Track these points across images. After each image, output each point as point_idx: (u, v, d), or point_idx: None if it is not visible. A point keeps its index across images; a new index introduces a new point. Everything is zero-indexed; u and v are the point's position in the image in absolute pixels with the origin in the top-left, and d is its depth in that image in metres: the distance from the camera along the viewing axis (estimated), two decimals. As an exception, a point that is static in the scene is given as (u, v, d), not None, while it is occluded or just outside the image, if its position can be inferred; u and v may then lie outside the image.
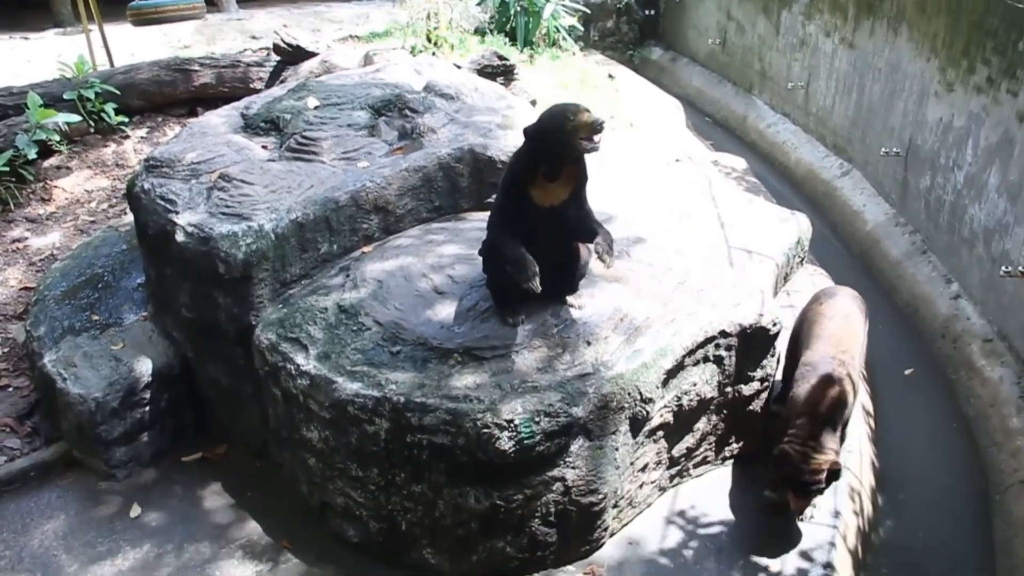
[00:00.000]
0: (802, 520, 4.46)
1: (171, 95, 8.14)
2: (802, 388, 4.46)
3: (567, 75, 10.18)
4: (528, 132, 3.98)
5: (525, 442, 3.81)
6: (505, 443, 3.80)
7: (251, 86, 8.23)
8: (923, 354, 6.61)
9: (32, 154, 6.86)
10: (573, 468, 3.99)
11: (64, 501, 4.76)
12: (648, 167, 6.72)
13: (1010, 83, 5.94)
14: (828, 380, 4.40)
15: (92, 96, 7.47)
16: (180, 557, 4.39)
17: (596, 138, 3.81)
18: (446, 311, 4.29)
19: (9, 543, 4.47)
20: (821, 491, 4.30)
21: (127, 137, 7.65)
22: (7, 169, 6.78)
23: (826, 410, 4.34)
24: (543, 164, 3.96)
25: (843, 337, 4.65)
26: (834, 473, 4.22)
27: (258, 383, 4.61)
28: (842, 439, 4.55)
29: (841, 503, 4.60)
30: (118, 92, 7.69)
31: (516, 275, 3.93)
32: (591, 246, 4.08)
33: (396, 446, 3.94)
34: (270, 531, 4.54)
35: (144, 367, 4.92)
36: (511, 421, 3.79)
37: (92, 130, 7.56)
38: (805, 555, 4.29)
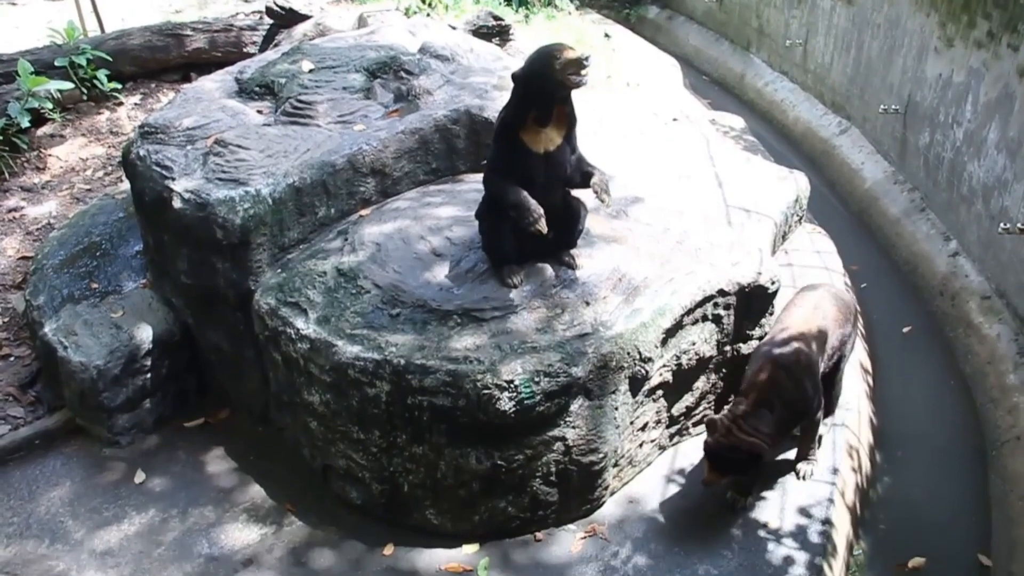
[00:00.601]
0: (801, 477, 4.53)
1: (164, 61, 8.07)
2: (749, 368, 4.38)
3: (563, 35, 10.09)
4: (516, 76, 4.00)
5: (525, 402, 3.83)
6: (505, 403, 3.82)
7: (244, 50, 8.16)
8: (921, 312, 6.63)
9: (25, 122, 6.81)
10: (573, 428, 4.02)
11: (69, 468, 4.79)
12: (645, 127, 6.68)
13: (1011, 37, 5.89)
14: (772, 363, 4.23)
15: (84, 63, 7.40)
16: (185, 521, 4.44)
17: (583, 72, 3.84)
18: (445, 273, 4.30)
19: (16, 510, 4.52)
20: (739, 471, 4.24)
21: (120, 104, 7.60)
22: (0, 138, 6.73)
23: (762, 392, 4.18)
24: (533, 108, 3.98)
25: (804, 328, 4.41)
26: (754, 458, 4.14)
27: (258, 348, 4.62)
28: (808, 429, 4.47)
29: (839, 460, 4.64)
30: (110, 58, 7.62)
31: (520, 219, 3.94)
32: (591, 204, 4.08)
33: (397, 408, 3.96)
34: (273, 494, 4.58)
35: (144, 334, 4.93)
36: (511, 382, 3.81)
37: (85, 97, 7.51)
38: (804, 511, 4.34)
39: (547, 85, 3.89)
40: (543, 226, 3.89)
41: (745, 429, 4.12)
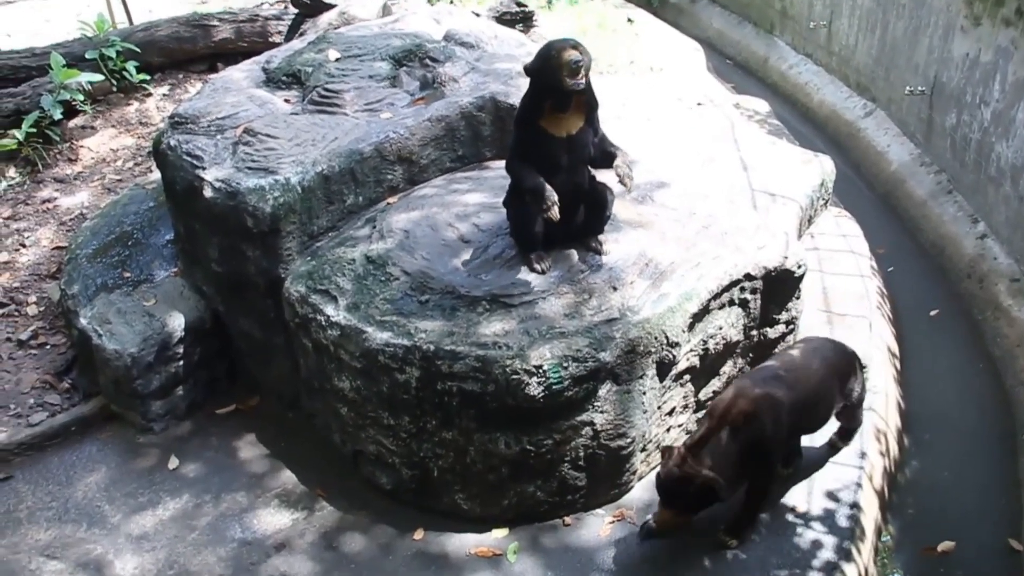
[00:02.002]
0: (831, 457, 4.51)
1: (191, 51, 8.13)
2: (720, 395, 4.15)
3: (586, 20, 10.07)
4: (527, 69, 4.05)
5: (554, 387, 3.87)
6: (534, 388, 3.85)
7: (270, 40, 8.20)
8: (949, 295, 6.59)
9: (58, 115, 6.90)
10: (601, 412, 4.05)
11: (104, 454, 4.88)
12: (670, 111, 6.68)
13: (1039, 16, 5.83)
14: (739, 395, 3.95)
15: (113, 54, 7.48)
16: (218, 507, 4.51)
17: (579, 77, 3.84)
18: (473, 259, 4.33)
19: (55, 495, 4.61)
20: (690, 508, 3.93)
21: (149, 95, 7.68)
22: (34, 130, 6.84)
23: (722, 421, 3.90)
24: (548, 99, 4.01)
25: (793, 370, 4.12)
26: (708, 492, 3.83)
27: (289, 335, 4.68)
28: (750, 494, 4.07)
29: (867, 444, 4.64)
30: (138, 50, 7.70)
31: (535, 204, 3.99)
32: (620, 187, 4.10)
33: (427, 393, 4.01)
34: (304, 480, 4.65)
35: (176, 322, 5.01)
36: (540, 367, 3.84)
37: (115, 89, 7.59)
38: (832, 495, 4.34)
39: (551, 82, 3.92)
40: (555, 213, 3.93)
41: (703, 462, 3.83)
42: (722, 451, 3.85)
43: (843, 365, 4.37)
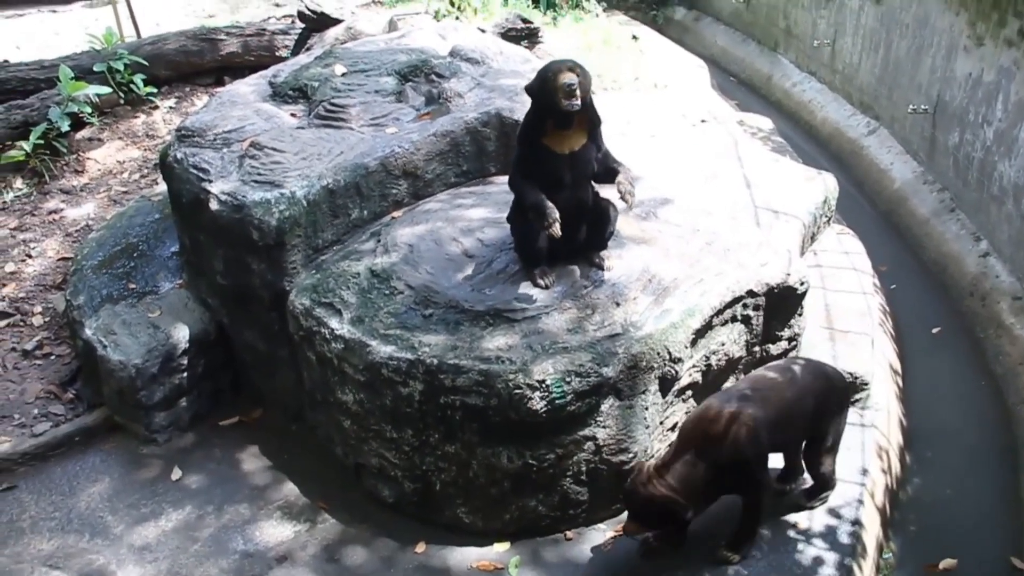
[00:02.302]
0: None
1: (198, 64, 8.19)
2: (688, 416, 4.12)
3: (591, 36, 10.12)
4: (528, 89, 4.09)
5: (556, 402, 3.88)
6: (537, 403, 3.87)
7: (277, 54, 8.27)
8: (951, 312, 6.61)
9: (65, 126, 6.95)
10: (604, 427, 4.06)
11: (108, 464, 4.90)
12: (674, 128, 6.71)
13: (1041, 37, 5.87)
14: (703, 416, 3.92)
15: (121, 67, 7.54)
16: (220, 518, 4.52)
17: (572, 99, 3.87)
18: (477, 274, 4.35)
19: (58, 504, 4.62)
20: (655, 526, 4.00)
21: (156, 108, 7.73)
22: (42, 142, 6.89)
23: (689, 442, 3.88)
24: (549, 117, 4.04)
25: (768, 392, 4.02)
26: (670, 514, 3.85)
27: (293, 347, 4.70)
28: (747, 509, 4.05)
29: (869, 461, 4.64)
30: (146, 63, 7.76)
31: (536, 221, 4.02)
32: (621, 204, 4.12)
33: (430, 407, 4.02)
34: (307, 492, 4.65)
35: (181, 334, 5.03)
36: (543, 381, 3.86)
37: (122, 101, 7.65)
38: (833, 512, 4.34)
39: (548, 103, 3.96)
40: (556, 230, 3.94)
41: (666, 481, 3.84)
42: (687, 472, 3.83)
43: (820, 388, 4.16)
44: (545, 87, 3.93)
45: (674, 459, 3.87)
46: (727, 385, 4.64)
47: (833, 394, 4.22)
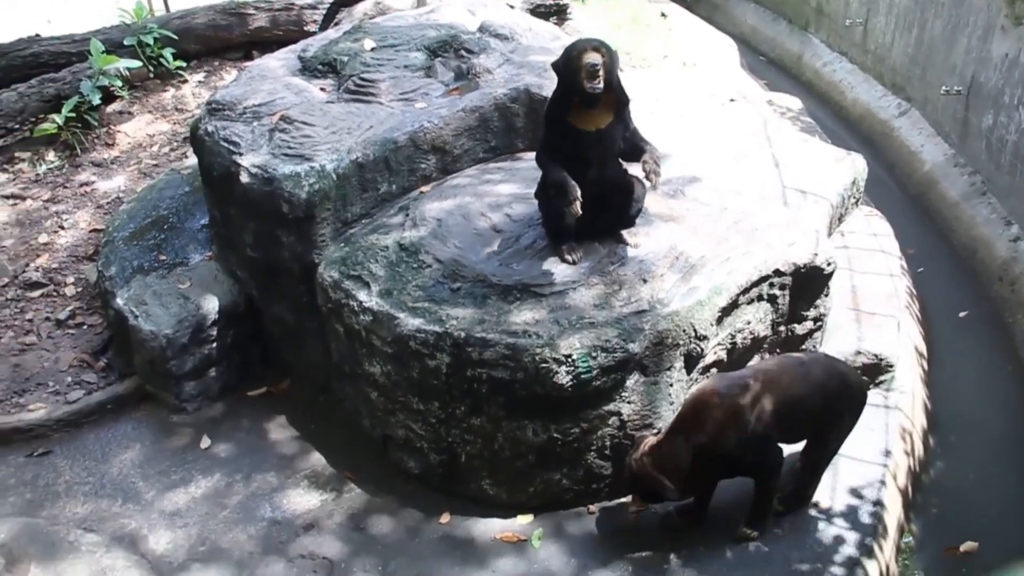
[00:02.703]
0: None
1: (227, 39, 8.20)
2: (687, 398, 4.08)
3: (619, 14, 10.06)
4: (554, 67, 4.08)
5: (582, 377, 3.91)
6: (563, 377, 3.90)
7: (305, 29, 8.26)
8: (979, 297, 6.56)
9: (96, 100, 7.01)
10: (628, 403, 4.09)
11: (139, 432, 4.99)
12: (702, 107, 6.67)
13: (1080, 17, 5.78)
14: (702, 397, 3.89)
15: (151, 41, 7.57)
16: (249, 486, 4.60)
17: (595, 81, 3.85)
18: (505, 249, 4.38)
19: (91, 470, 4.72)
20: (650, 499, 4.01)
21: (185, 82, 7.77)
22: (73, 115, 6.95)
23: (680, 423, 3.90)
24: (575, 96, 4.02)
25: (773, 382, 3.91)
26: (654, 487, 3.87)
27: (321, 320, 4.75)
28: (759, 491, 4.01)
29: (892, 442, 4.64)
30: (175, 37, 7.79)
31: (560, 199, 4.03)
32: (646, 183, 4.13)
33: (456, 380, 4.06)
34: (333, 463, 4.72)
35: (211, 305, 5.10)
36: (569, 356, 3.89)
37: (152, 75, 7.69)
38: (855, 492, 4.35)
39: (572, 83, 3.95)
40: (577, 209, 3.95)
41: (655, 459, 3.87)
42: (674, 452, 3.85)
43: (833, 388, 4.04)
44: (569, 66, 3.92)
45: (667, 438, 3.91)
46: (752, 363, 4.65)
47: (845, 397, 4.10)
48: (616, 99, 4.12)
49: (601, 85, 3.87)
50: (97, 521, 4.40)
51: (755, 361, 4.64)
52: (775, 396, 3.88)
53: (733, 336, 4.43)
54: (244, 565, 4.16)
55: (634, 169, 4.33)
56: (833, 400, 4.03)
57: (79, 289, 5.84)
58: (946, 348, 6.06)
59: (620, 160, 4.28)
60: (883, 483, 4.39)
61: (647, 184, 4.14)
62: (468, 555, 4.14)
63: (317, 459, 4.76)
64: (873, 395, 4.91)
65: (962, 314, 6.41)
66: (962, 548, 4.53)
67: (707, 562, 4.03)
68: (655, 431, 4.16)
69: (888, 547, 4.24)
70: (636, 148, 4.17)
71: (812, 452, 4.18)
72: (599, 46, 3.89)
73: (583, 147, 4.11)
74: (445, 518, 4.34)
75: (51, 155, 7.00)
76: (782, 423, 3.92)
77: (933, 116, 8.35)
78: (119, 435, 4.96)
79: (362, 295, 4.32)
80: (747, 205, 4.87)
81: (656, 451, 3.90)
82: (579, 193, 3.95)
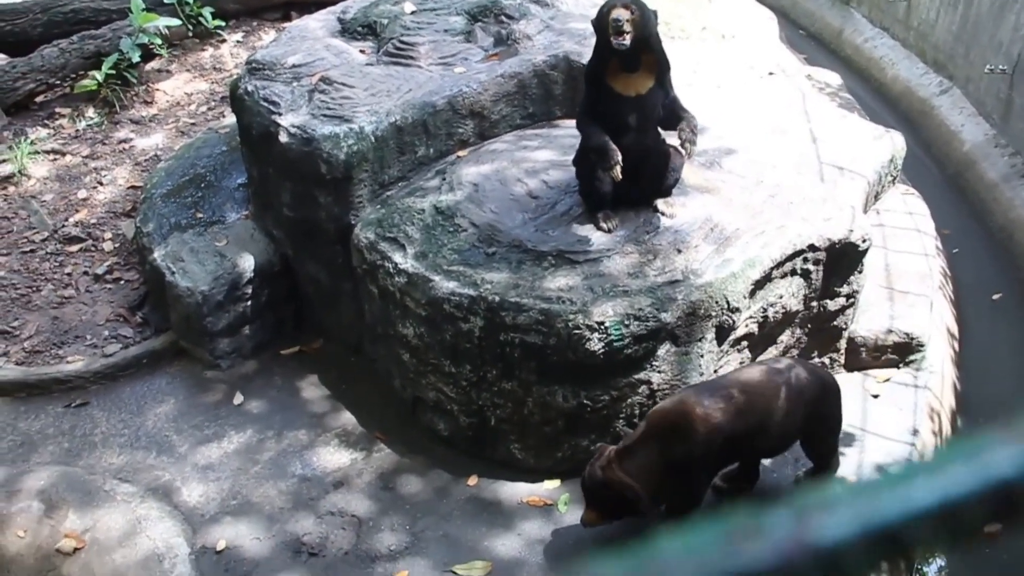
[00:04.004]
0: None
1: (265, -1, 8.24)
2: (662, 402, 3.94)
3: (659, -16, 9.95)
4: (592, 24, 4.06)
5: (614, 344, 3.93)
6: (595, 344, 3.92)
7: (344, -9, 8.27)
8: (1014, 280, 6.49)
9: (136, 57, 7.06)
10: (659, 372, 4.10)
11: (173, 387, 5.08)
12: (741, 79, 6.61)
13: None
14: (676, 407, 3.72)
15: (191, 0, 7.61)
16: (280, 443, 4.67)
17: (621, 35, 3.83)
18: (540, 215, 4.39)
19: (127, 423, 4.82)
20: (613, 514, 3.80)
21: (223, 41, 7.81)
22: (113, 72, 7.01)
23: (650, 429, 3.72)
24: (614, 56, 4.01)
25: (747, 392, 3.76)
26: (627, 502, 3.66)
27: (355, 281, 4.80)
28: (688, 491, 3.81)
29: (920, 422, 4.62)
30: (215, -5, 7.82)
31: (599, 162, 4.05)
32: (681, 151, 4.12)
33: (489, 344, 4.09)
34: (364, 423, 4.78)
35: (247, 263, 5.16)
36: (601, 323, 3.90)
37: (190, 34, 7.73)
38: (882, 470, 4.35)
39: (603, 39, 3.95)
40: (617, 173, 3.96)
41: (625, 467, 3.65)
42: (646, 460, 3.67)
43: (814, 394, 3.89)
44: (600, 22, 3.92)
45: (637, 445, 3.70)
46: (783, 338, 4.65)
47: (825, 400, 3.95)
48: (656, 63, 4.10)
49: (627, 41, 3.84)
50: (132, 472, 4.50)
51: (787, 335, 4.65)
52: (756, 408, 3.74)
53: (765, 310, 4.43)
54: (274, 519, 4.23)
55: (671, 138, 4.32)
56: (812, 405, 3.87)
57: (116, 245, 5.92)
58: (978, 330, 6.01)
59: (659, 128, 4.27)
60: (910, 462, 4.39)
61: (682, 153, 4.14)
62: (495, 517, 4.19)
63: (348, 418, 4.82)
64: (903, 374, 4.92)
65: (996, 296, 6.35)
66: (986, 529, 4.52)
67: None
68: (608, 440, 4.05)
69: (913, 525, 4.23)
70: (674, 116, 4.16)
71: (809, 448, 4.10)
72: (629, 3, 3.86)
73: (622, 112, 4.11)
74: (473, 480, 4.39)
75: (91, 111, 7.07)
76: (761, 434, 3.80)
77: (975, 95, 8.22)
78: (154, 389, 5.05)
79: (397, 257, 4.35)
80: (783, 179, 4.84)
81: (625, 458, 3.68)
82: (620, 157, 3.95)
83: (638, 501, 3.65)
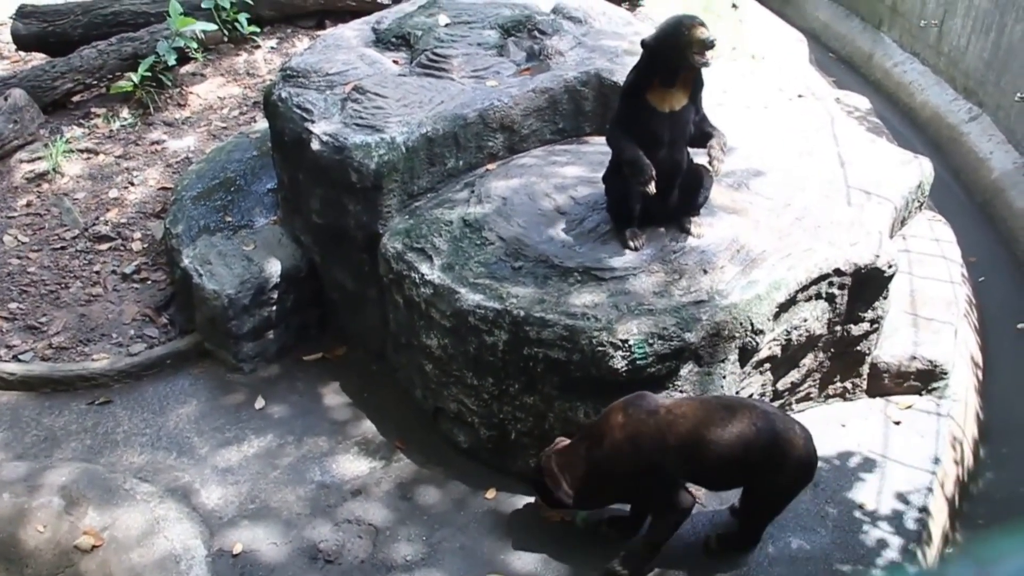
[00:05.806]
0: None
1: (301, 7, 8.28)
2: (608, 407, 3.91)
3: (691, 3, 9.92)
4: (646, 43, 4.08)
5: (638, 362, 3.94)
6: (618, 362, 3.93)
7: (378, 1, 8.32)
8: (1041, 310, 6.45)
9: (171, 60, 7.14)
10: (681, 391, 4.11)
11: (196, 388, 5.12)
12: (770, 101, 6.61)
13: None
14: (617, 408, 3.80)
15: (227, 5, 7.67)
16: (300, 448, 4.71)
17: (708, 54, 3.88)
18: (568, 231, 4.42)
19: (149, 422, 4.87)
20: (550, 502, 4.01)
21: (258, 47, 7.88)
22: (149, 74, 7.09)
23: (585, 433, 3.90)
24: (658, 74, 4.05)
25: (686, 415, 3.73)
26: (547, 487, 3.90)
27: (381, 289, 4.83)
28: (650, 531, 3.91)
29: (942, 450, 4.60)
30: (251, 2, 7.85)
31: (632, 176, 4.06)
32: (711, 169, 4.14)
33: (512, 357, 4.11)
34: (384, 431, 4.81)
35: (273, 268, 5.20)
36: (626, 341, 3.91)
37: (226, 39, 7.80)
38: (902, 497, 4.34)
39: (674, 57, 3.96)
40: (652, 188, 3.99)
41: (560, 461, 3.89)
42: (575, 459, 3.86)
43: (762, 444, 3.70)
44: (676, 41, 3.93)
45: (573, 443, 3.93)
46: (806, 361, 4.63)
47: (777, 456, 3.73)
48: (694, 80, 4.14)
49: (712, 59, 3.92)
50: (152, 472, 4.54)
51: (810, 359, 4.64)
52: (684, 432, 3.70)
53: (789, 332, 4.42)
54: (292, 525, 4.27)
55: (698, 156, 4.33)
56: (758, 455, 3.70)
57: (145, 245, 5.98)
58: (1002, 358, 5.97)
59: (688, 146, 4.29)
60: (930, 490, 4.37)
61: (709, 168, 4.15)
62: (512, 531, 4.21)
63: (368, 426, 4.85)
64: (925, 401, 4.89)
65: (1020, 325, 6.30)
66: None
67: (744, 561, 4.04)
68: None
69: (932, 554, 4.22)
70: (704, 133, 4.20)
71: (745, 501, 4.04)
72: (703, 23, 3.93)
73: (656, 127, 4.13)
74: (491, 493, 4.41)
75: (125, 112, 7.15)
76: (691, 463, 3.74)
77: (1005, 123, 8.18)
78: (177, 390, 5.10)
79: (424, 268, 4.38)
80: (810, 202, 4.83)
81: (563, 453, 3.91)
82: (653, 172, 3.98)
83: (559, 495, 3.88)
